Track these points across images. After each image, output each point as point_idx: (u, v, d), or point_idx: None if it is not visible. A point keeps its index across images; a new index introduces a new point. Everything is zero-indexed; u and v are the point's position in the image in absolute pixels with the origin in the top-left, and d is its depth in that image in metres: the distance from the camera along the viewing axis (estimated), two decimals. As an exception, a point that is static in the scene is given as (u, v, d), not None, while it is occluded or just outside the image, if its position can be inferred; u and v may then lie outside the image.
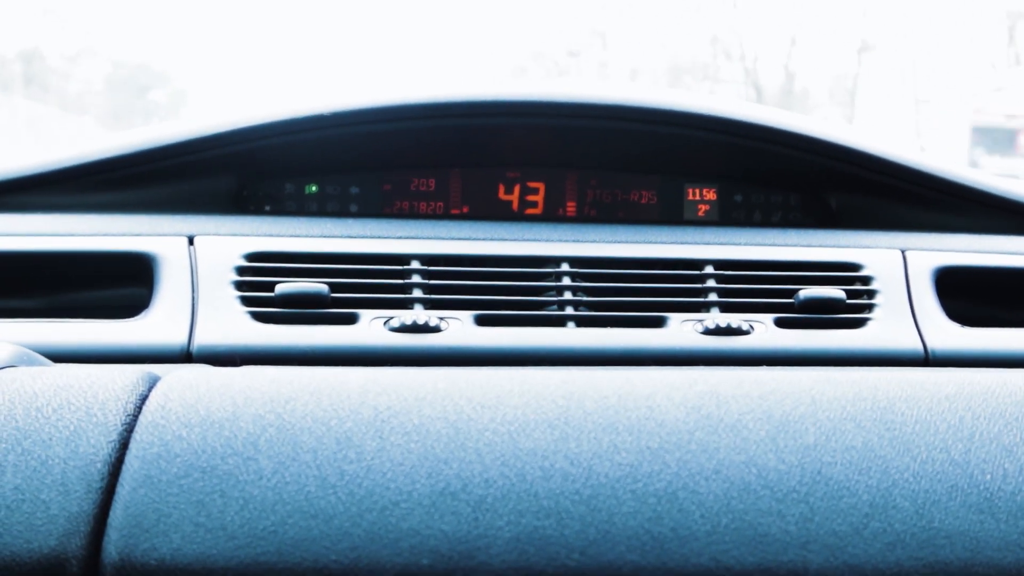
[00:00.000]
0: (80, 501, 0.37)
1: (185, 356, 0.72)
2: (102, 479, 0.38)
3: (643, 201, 0.97)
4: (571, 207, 0.97)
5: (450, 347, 0.74)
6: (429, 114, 0.90)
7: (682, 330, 0.78)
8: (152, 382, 0.43)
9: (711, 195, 0.97)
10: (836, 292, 0.81)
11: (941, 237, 0.90)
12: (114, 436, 0.39)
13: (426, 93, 0.90)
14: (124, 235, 0.81)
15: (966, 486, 0.40)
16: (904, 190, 0.93)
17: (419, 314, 0.76)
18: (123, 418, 0.40)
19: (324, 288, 0.76)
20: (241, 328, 0.74)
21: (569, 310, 0.80)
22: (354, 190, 0.94)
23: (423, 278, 0.80)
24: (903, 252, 0.86)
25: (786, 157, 0.93)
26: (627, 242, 0.86)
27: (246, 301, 0.76)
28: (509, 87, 0.92)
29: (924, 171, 0.92)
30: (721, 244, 0.87)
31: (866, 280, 0.84)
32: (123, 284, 0.83)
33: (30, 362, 0.49)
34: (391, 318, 0.76)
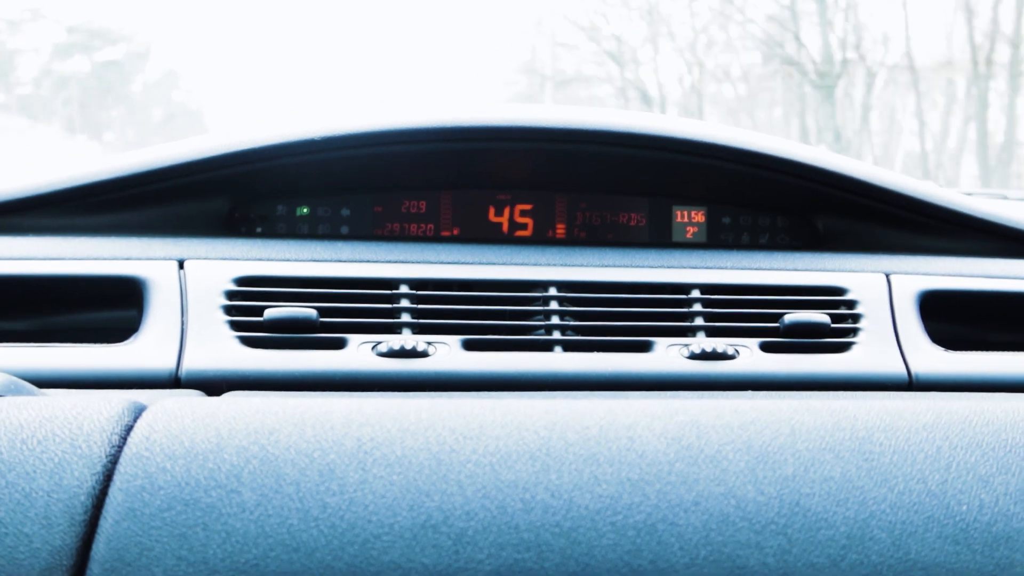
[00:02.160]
0: (63, 534, 0.37)
1: (174, 381, 0.72)
2: (85, 512, 0.38)
3: (632, 223, 0.98)
4: (561, 229, 0.97)
5: (437, 372, 0.74)
6: (420, 138, 0.90)
7: (668, 355, 0.78)
8: (138, 412, 0.44)
9: (699, 217, 0.98)
10: (821, 317, 0.81)
11: (926, 260, 0.91)
12: (98, 468, 0.39)
13: (417, 118, 0.91)
14: (114, 259, 0.82)
15: (942, 517, 0.40)
16: (890, 214, 0.94)
17: (407, 339, 0.76)
18: (107, 449, 0.40)
19: (313, 312, 0.76)
20: (230, 353, 0.74)
21: (556, 335, 0.80)
22: (345, 212, 0.95)
23: (412, 303, 0.80)
24: (887, 276, 0.87)
25: (774, 181, 0.94)
26: (615, 266, 0.87)
27: (235, 326, 0.76)
28: (499, 112, 0.92)
29: (909, 195, 0.93)
30: (708, 268, 0.87)
31: (851, 304, 0.85)
32: (113, 307, 0.83)
33: (16, 390, 0.50)
34: (379, 343, 0.76)
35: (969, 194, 1.02)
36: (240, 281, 0.80)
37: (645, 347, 0.79)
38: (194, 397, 0.55)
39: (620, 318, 0.82)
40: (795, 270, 0.88)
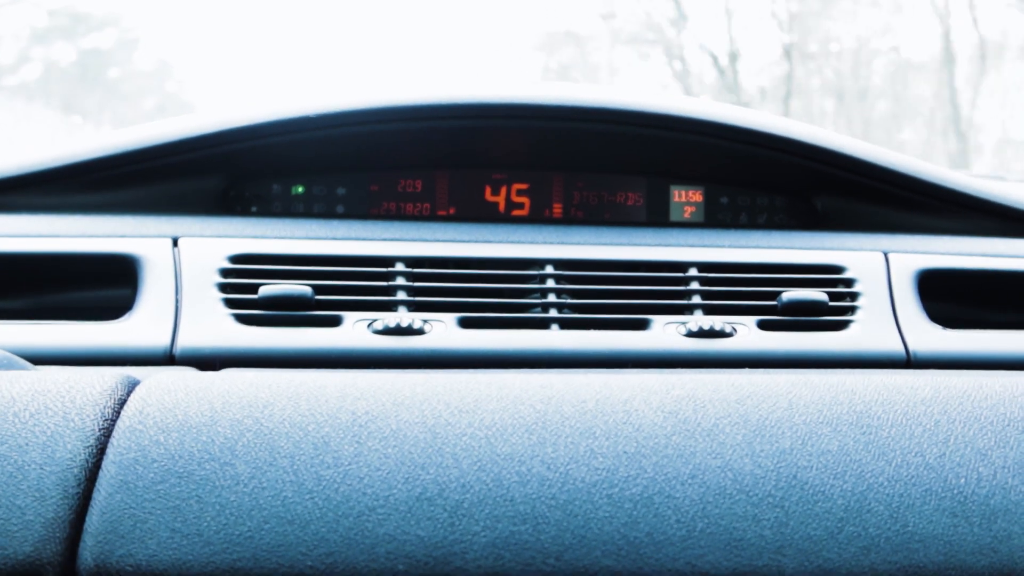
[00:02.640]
0: (56, 507, 0.37)
1: (168, 358, 0.72)
2: (79, 484, 0.38)
3: (629, 203, 0.97)
4: (557, 209, 0.97)
5: (433, 349, 0.74)
6: (415, 116, 0.90)
7: (665, 332, 0.78)
8: (131, 386, 0.43)
9: (697, 197, 0.98)
10: (819, 294, 0.81)
11: (924, 239, 0.91)
12: (91, 441, 0.39)
13: (412, 95, 0.90)
14: (109, 236, 0.81)
15: (940, 490, 0.40)
16: (888, 193, 0.93)
17: (403, 316, 0.76)
18: (101, 423, 0.40)
19: (308, 290, 0.76)
20: (224, 330, 0.73)
21: (553, 312, 0.80)
22: (341, 191, 0.94)
23: (407, 280, 0.80)
24: (886, 254, 0.87)
25: (772, 160, 0.94)
26: (612, 244, 0.87)
27: (230, 303, 0.76)
28: (495, 89, 0.92)
29: (907, 174, 0.92)
30: (705, 246, 0.87)
31: (849, 282, 0.84)
32: (107, 285, 0.83)
33: (9, 365, 0.49)
34: (375, 320, 0.76)
35: (968, 174, 1.02)
36: (235, 259, 0.79)
37: (642, 325, 0.79)
38: (188, 372, 0.55)
39: (617, 296, 0.82)
40: (793, 248, 0.88)
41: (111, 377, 0.43)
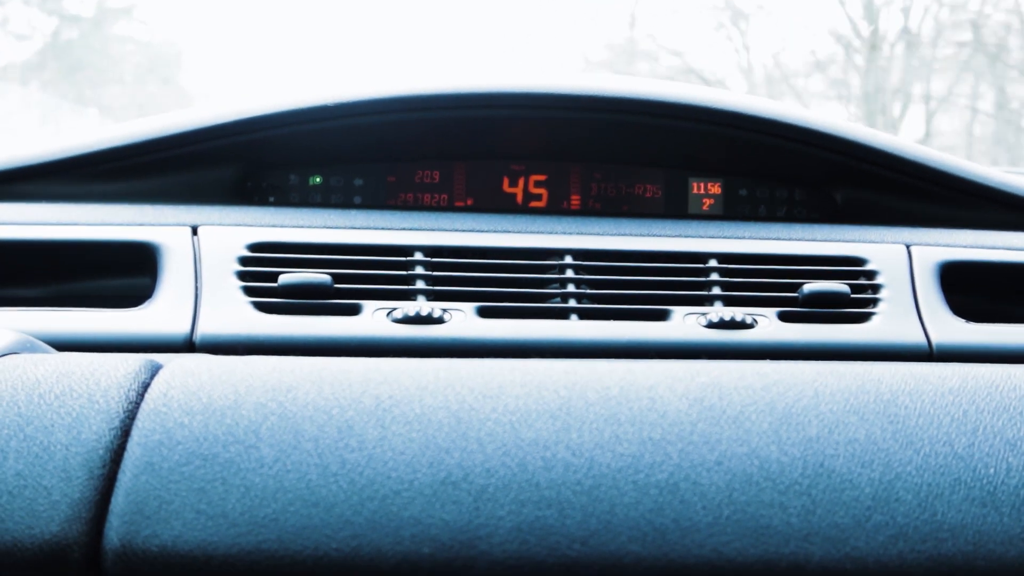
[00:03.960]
0: (82, 487, 0.37)
1: (188, 345, 0.72)
2: (104, 466, 0.38)
3: (647, 195, 0.97)
4: (575, 200, 0.96)
5: (453, 338, 0.74)
6: (433, 106, 0.90)
7: (685, 323, 0.78)
8: (154, 370, 0.43)
9: (716, 189, 0.97)
10: (840, 286, 0.80)
11: (946, 232, 0.90)
12: (116, 423, 0.39)
13: (430, 85, 0.90)
14: (128, 224, 0.81)
15: (969, 480, 0.40)
16: (910, 185, 0.93)
17: (422, 305, 0.76)
18: (125, 405, 0.40)
19: (327, 279, 0.76)
20: (244, 318, 0.74)
21: (572, 302, 0.80)
22: (358, 182, 0.94)
23: (426, 269, 0.80)
24: (908, 247, 0.86)
25: (791, 152, 0.93)
26: (631, 235, 0.86)
27: (249, 291, 0.76)
28: (513, 79, 0.91)
29: (930, 165, 0.92)
30: (725, 238, 0.86)
31: (870, 275, 0.84)
32: (127, 274, 0.83)
33: (32, 349, 0.49)
34: (394, 309, 0.76)
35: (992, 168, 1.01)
36: (254, 247, 0.79)
37: (662, 315, 0.79)
38: (211, 357, 0.55)
39: (636, 287, 0.81)
40: (814, 240, 0.87)
41: (135, 361, 0.43)
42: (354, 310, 0.76)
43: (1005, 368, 0.47)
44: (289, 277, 0.76)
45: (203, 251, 0.78)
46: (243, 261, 0.78)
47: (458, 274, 0.80)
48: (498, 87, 0.90)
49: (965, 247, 0.87)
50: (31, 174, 0.87)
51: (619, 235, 0.86)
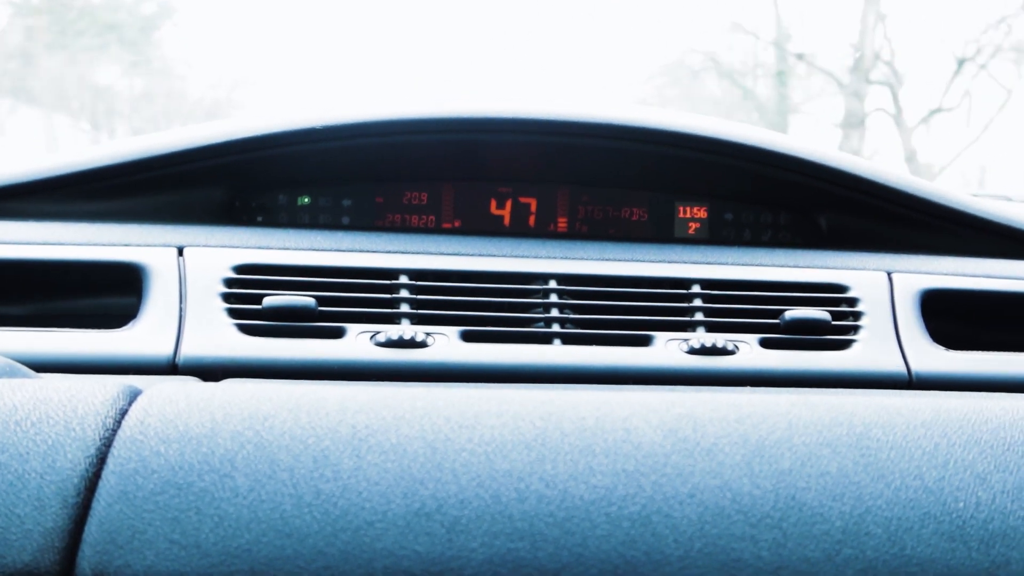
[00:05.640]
0: (55, 516, 0.37)
1: (171, 367, 0.72)
2: (78, 494, 0.38)
3: (634, 218, 0.97)
4: (562, 223, 0.97)
5: (436, 363, 0.74)
6: (421, 129, 0.90)
7: (667, 349, 0.78)
8: (132, 396, 0.43)
9: (702, 213, 0.98)
10: (821, 313, 0.81)
11: (928, 259, 0.91)
12: (92, 451, 0.39)
13: (418, 108, 0.90)
14: (114, 245, 0.81)
15: (939, 513, 0.40)
16: (893, 212, 0.94)
17: (406, 329, 0.76)
18: (102, 432, 0.40)
19: (312, 301, 0.76)
20: (228, 340, 0.74)
21: (555, 327, 0.80)
22: (346, 202, 0.95)
23: (411, 293, 0.80)
24: (889, 274, 0.87)
25: (777, 178, 0.94)
26: (616, 259, 0.87)
27: (234, 313, 0.76)
28: (501, 104, 0.92)
29: (913, 193, 0.92)
30: (709, 263, 0.87)
31: (852, 302, 0.84)
32: (112, 293, 0.83)
33: (12, 373, 0.49)
34: (378, 332, 0.76)
35: (974, 195, 1.02)
36: (239, 269, 0.79)
37: (645, 341, 0.79)
38: (190, 382, 0.55)
39: (620, 312, 0.82)
40: (797, 267, 0.88)
41: (113, 386, 0.44)
42: (338, 333, 0.76)
43: (978, 400, 0.47)
44: (274, 300, 0.76)
45: (188, 272, 0.78)
46: (228, 283, 0.78)
47: (443, 298, 0.80)
48: (486, 112, 0.91)
49: (946, 275, 0.88)
50: (17, 193, 0.87)
51: (604, 259, 0.87)
